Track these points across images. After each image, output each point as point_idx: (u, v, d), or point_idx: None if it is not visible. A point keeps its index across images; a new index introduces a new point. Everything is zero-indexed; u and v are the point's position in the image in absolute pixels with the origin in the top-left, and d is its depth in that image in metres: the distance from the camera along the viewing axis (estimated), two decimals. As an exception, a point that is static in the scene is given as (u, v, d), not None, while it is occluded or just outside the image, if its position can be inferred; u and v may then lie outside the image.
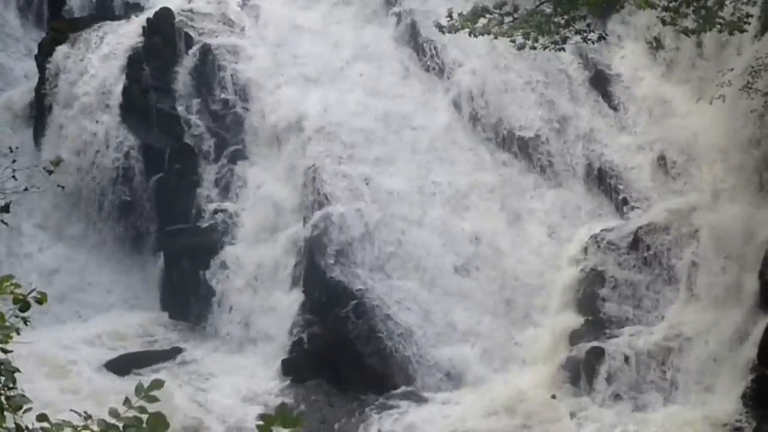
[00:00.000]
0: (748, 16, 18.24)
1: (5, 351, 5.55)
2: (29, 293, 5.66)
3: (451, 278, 23.12)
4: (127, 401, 5.14)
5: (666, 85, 24.23)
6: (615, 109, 24.67)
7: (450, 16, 19.48)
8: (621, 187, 23.50)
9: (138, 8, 28.61)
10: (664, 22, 18.66)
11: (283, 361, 22.72)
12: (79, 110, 26.75)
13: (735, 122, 21.73)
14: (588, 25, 19.32)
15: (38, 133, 27.28)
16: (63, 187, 23.49)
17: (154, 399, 5.21)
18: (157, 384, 5.25)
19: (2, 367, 5.44)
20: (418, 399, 21.47)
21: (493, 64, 25.49)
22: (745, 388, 19.11)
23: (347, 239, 23.10)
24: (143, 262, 26.11)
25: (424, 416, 20.97)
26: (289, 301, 23.41)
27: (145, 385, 5.24)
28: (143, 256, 26.16)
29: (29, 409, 5.34)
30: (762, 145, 21.34)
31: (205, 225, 24.93)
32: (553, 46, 19.18)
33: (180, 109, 26.06)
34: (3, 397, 5.31)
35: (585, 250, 22.44)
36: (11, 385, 5.41)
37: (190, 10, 27.22)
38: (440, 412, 21.05)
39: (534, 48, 19.21)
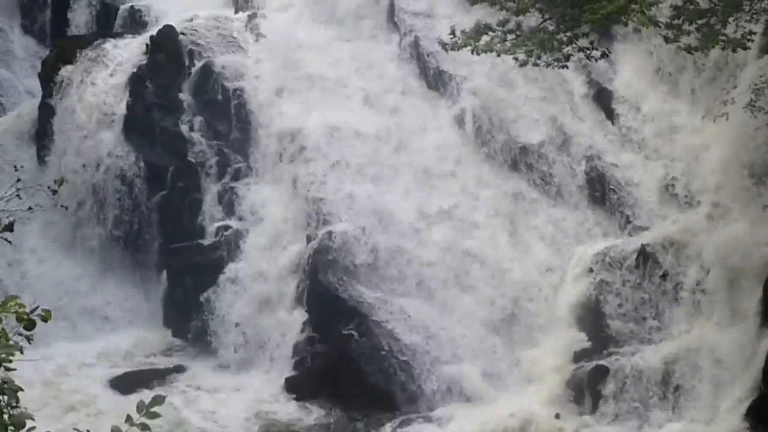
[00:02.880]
0: (751, 33, 18.23)
1: (8, 369, 5.54)
2: (33, 311, 5.65)
3: (455, 296, 23.08)
4: (129, 419, 5.14)
5: (669, 103, 24.20)
6: (619, 126, 24.64)
7: (453, 33, 19.46)
8: (625, 204, 23.46)
9: (141, 26, 28.66)
10: (667, 40, 18.65)
11: (287, 379, 22.68)
12: (82, 128, 26.77)
13: (739, 140, 21.70)
14: (591, 43, 19.31)
15: (42, 150, 27.30)
16: (67, 208, 23.51)
17: (156, 415, 5.21)
18: (159, 400, 5.25)
19: (5, 385, 5.42)
20: (422, 417, 21.43)
21: (495, 82, 25.50)
22: (749, 406, 19.06)
23: (350, 257, 23.08)
24: (146, 279, 26.09)
25: (427, 434, 20.96)
26: (293, 319, 23.38)
27: (147, 402, 5.24)
28: (146, 274, 26.13)
29: (33, 428, 5.33)
30: (766, 162, 21.31)
31: (209, 243, 24.91)
32: (555, 63, 19.15)
33: (183, 126, 26.09)
34: (6, 416, 5.30)
35: (589, 267, 22.39)
36: (14, 404, 5.40)
37: (194, 28, 27.26)
38: (443, 431, 21.00)
39: (537, 65, 19.18)
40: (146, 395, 18.17)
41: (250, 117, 25.86)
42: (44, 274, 26.21)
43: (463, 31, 19.37)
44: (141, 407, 5.23)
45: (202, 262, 24.68)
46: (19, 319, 5.60)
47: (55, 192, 9.42)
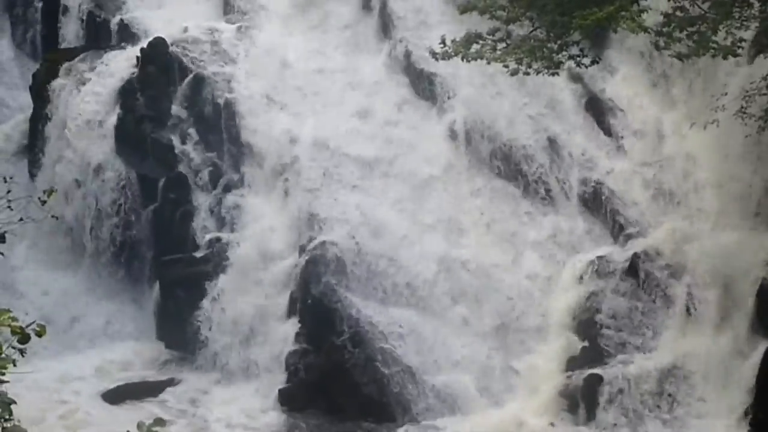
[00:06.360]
0: (741, 40, 18.26)
1: (1, 381, 5.51)
2: (29, 325, 5.62)
3: (448, 306, 23.06)
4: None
5: (661, 110, 24.23)
6: (610, 134, 24.65)
7: (443, 42, 19.47)
8: (617, 212, 23.47)
9: (132, 38, 28.61)
10: (657, 47, 18.69)
11: (280, 391, 22.62)
12: (73, 141, 26.71)
13: (729, 147, 21.74)
14: (581, 50, 19.34)
15: (33, 164, 27.25)
16: (57, 218, 23.45)
17: (158, 435, 5.20)
18: (160, 422, 5.24)
19: (-2, 398, 5.40)
20: (416, 427, 21.39)
21: (487, 91, 25.50)
22: (743, 413, 19.05)
23: (342, 268, 23.05)
24: (139, 292, 26.03)
25: (421, 445, 20.94)
26: (285, 331, 23.33)
27: (147, 423, 5.23)
28: (139, 286, 26.08)
29: (26, 441, 5.30)
30: (757, 170, 21.34)
31: (201, 255, 24.86)
32: (546, 71, 19.17)
33: (174, 138, 26.03)
34: (0, 428, 5.27)
35: (582, 276, 22.40)
36: (7, 416, 5.38)
37: (185, 40, 27.23)
38: (438, 441, 21.01)
39: (527, 73, 19.20)
40: (139, 408, 18.26)
41: (241, 128, 25.81)
42: (35, 287, 26.15)
43: (453, 40, 19.38)
44: (141, 427, 5.22)
45: (194, 274, 24.62)
46: (13, 333, 5.57)
47: (44, 203, 9.40)
